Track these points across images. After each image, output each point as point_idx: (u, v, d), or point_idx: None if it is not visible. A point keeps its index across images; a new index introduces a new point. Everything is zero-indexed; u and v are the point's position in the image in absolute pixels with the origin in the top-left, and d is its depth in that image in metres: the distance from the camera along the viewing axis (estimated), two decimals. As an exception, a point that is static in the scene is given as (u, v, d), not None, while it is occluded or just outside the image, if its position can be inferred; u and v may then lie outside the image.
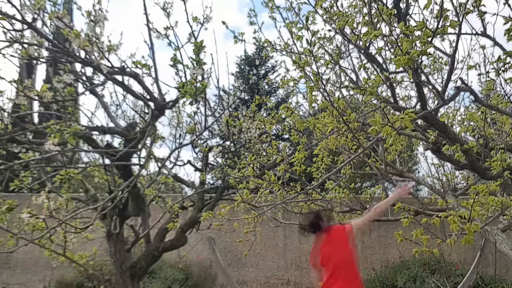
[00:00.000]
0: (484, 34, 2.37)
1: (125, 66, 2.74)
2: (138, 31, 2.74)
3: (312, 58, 2.48)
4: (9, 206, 2.49)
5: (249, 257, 7.41)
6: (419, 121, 2.82)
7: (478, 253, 5.98)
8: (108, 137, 3.81)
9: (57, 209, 2.28)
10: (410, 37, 1.72)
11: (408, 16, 2.38)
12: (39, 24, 2.69)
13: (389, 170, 4.33)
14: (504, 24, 2.20)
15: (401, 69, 2.10)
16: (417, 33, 1.73)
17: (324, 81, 2.64)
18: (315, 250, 3.15)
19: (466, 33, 2.38)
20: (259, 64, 16.06)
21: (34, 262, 7.60)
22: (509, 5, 2.20)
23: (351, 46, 2.98)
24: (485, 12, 2.26)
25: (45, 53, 2.85)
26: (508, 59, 2.44)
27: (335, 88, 3.56)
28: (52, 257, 3.56)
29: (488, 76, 3.09)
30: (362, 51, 2.67)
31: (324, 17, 2.66)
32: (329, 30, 2.93)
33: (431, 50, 2.42)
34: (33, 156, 3.54)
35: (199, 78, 2.28)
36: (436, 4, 1.76)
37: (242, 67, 16.57)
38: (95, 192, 4.09)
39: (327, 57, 3.05)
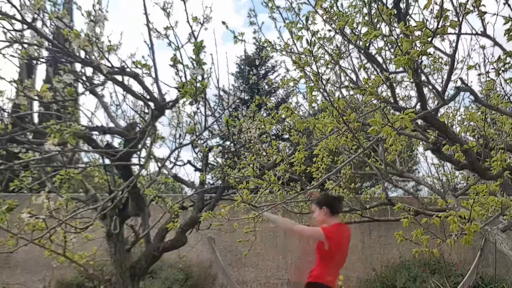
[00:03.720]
0: (484, 34, 2.37)
1: (125, 66, 2.74)
2: (138, 31, 2.73)
3: (312, 58, 2.48)
4: (9, 206, 2.49)
5: (249, 257, 7.41)
6: (419, 121, 2.82)
7: (478, 253, 5.98)
8: (108, 137, 3.81)
9: (57, 209, 2.28)
10: (410, 37, 1.72)
11: (408, 16, 2.38)
12: (39, 24, 2.69)
13: (389, 170, 4.33)
14: (504, 24, 2.20)
15: (401, 69, 2.10)
16: (417, 33, 1.73)
17: (324, 81, 2.64)
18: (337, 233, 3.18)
19: (466, 33, 2.37)
20: (259, 64, 16.06)
21: (34, 262, 7.60)
22: (509, 5, 2.20)
23: (351, 46, 2.97)
24: (485, 12, 2.25)
25: (45, 53, 2.85)
26: (508, 59, 2.44)
27: (335, 88, 3.56)
28: (52, 257, 3.56)
29: (488, 76, 3.09)
30: (362, 51, 2.67)
31: (324, 17, 2.66)
32: (329, 30, 2.92)
33: (431, 50, 2.42)
34: (33, 156, 3.54)
35: (199, 78, 2.28)
36: (436, 4, 1.76)
37: (242, 67, 16.57)
38: (95, 192, 4.09)
39: (327, 57, 3.04)
